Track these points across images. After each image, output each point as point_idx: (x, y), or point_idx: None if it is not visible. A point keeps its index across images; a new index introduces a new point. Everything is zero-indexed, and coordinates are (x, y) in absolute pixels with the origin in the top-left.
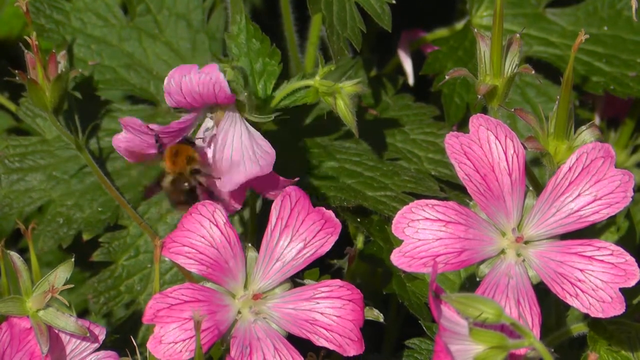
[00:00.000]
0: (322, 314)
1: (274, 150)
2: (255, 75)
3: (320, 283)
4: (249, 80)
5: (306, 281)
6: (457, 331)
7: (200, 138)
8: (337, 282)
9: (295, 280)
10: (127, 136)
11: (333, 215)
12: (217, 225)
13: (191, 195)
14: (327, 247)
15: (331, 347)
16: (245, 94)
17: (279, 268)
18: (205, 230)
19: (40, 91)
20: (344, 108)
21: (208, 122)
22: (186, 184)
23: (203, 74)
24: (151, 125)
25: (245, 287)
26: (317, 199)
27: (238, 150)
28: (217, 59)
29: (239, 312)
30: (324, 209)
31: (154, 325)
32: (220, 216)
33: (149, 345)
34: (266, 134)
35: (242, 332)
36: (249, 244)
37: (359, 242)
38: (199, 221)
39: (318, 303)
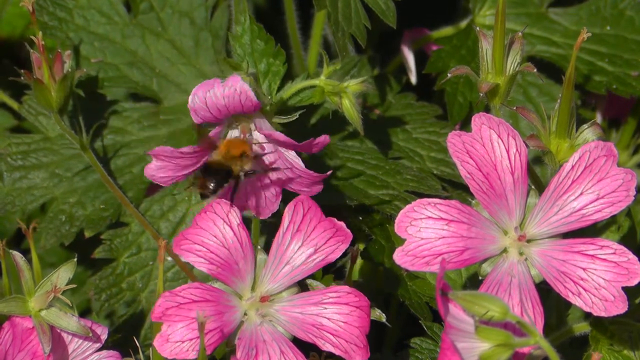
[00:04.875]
0: (329, 319)
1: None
2: (259, 75)
3: (328, 289)
4: (261, 90)
5: (314, 285)
6: (463, 329)
7: None
8: (346, 288)
9: (303, 284)
10: (158, 164)
11: (344, 225)
12: (230, 226)
13: (217, 189)
14: (337, 254)
15: (337, 352)
16: (269, 97)
17: (287, 272)
18: (218, 229)
19: (46, 91)
20: (349, 107)
21: (234, 132)
22: (223, 177)
23: (227, 87)
24: (182, 149)
25: (253, 289)
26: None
27: None
28: (222, 59)
29: (246, 314)
30: (335, 219)
31: (159, 323)
32: (235, 217)
33: (155, 343)
34: None
35: (248, 334)
36: (259, 246)
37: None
38: (212, 220)
39: (325, 308)
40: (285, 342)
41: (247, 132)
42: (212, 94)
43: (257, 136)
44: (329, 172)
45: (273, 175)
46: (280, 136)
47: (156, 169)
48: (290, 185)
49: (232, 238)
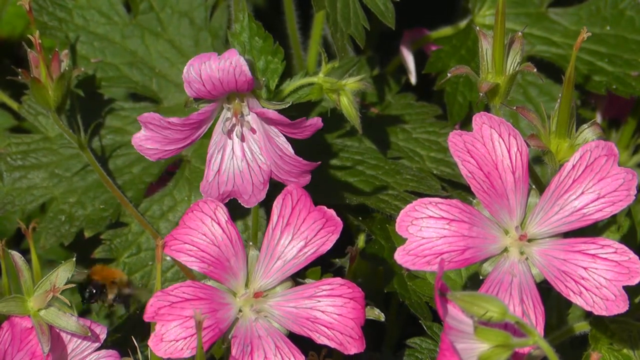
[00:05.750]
0: (323, 312)
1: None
2: (258, 73)
3: (321, 281)
4: (256, 74)
5: (307, 280)
6: (462, 329)
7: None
8: (338, 280)
9: (296, 279)
10: (146, 134)
11: (334, 214)
12: (218, 223)
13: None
14: (328, 246)
15: (332, 345)
16: (264, 79)
17: (280, 266)
18: (207, 227)
19: (44, 89)
20: (347, 104)
21: (227, 113)
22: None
23: (223, 60)
24: (171, 119)
25: (247, 285)
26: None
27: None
28: None
29: (240, 311)
30: (325, 207)
31: (154, 322)
32: (222, 214)
33: (150, 343)
34: None
35: (243, 330)
36: (250, 242)
37: (361, 240)
38: (200, 219)
39: (319, 301)
40: (281, 337)
41: (239, 114)
42: (207, 66)
43: (249, 118)
44: (319, 163)
45: (262, 163)
46: (273, 114)
47: (144, 139)
48: (278, 174)
49: (222, 235)
